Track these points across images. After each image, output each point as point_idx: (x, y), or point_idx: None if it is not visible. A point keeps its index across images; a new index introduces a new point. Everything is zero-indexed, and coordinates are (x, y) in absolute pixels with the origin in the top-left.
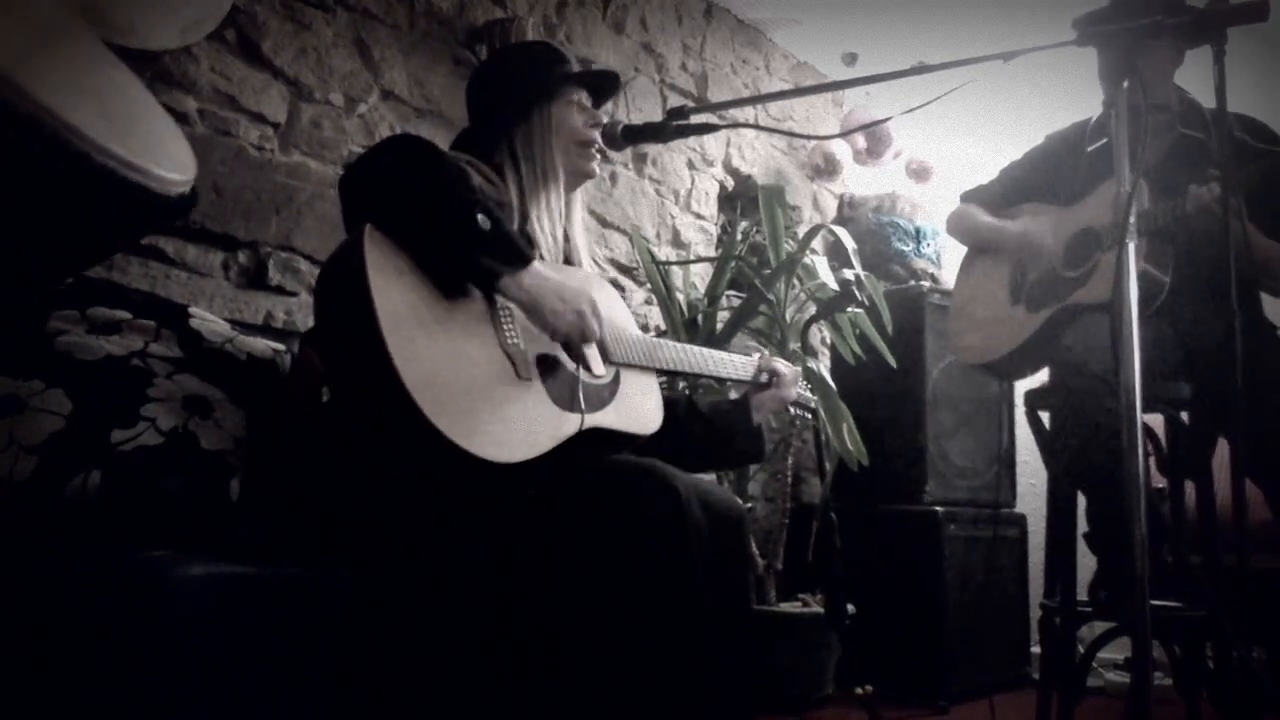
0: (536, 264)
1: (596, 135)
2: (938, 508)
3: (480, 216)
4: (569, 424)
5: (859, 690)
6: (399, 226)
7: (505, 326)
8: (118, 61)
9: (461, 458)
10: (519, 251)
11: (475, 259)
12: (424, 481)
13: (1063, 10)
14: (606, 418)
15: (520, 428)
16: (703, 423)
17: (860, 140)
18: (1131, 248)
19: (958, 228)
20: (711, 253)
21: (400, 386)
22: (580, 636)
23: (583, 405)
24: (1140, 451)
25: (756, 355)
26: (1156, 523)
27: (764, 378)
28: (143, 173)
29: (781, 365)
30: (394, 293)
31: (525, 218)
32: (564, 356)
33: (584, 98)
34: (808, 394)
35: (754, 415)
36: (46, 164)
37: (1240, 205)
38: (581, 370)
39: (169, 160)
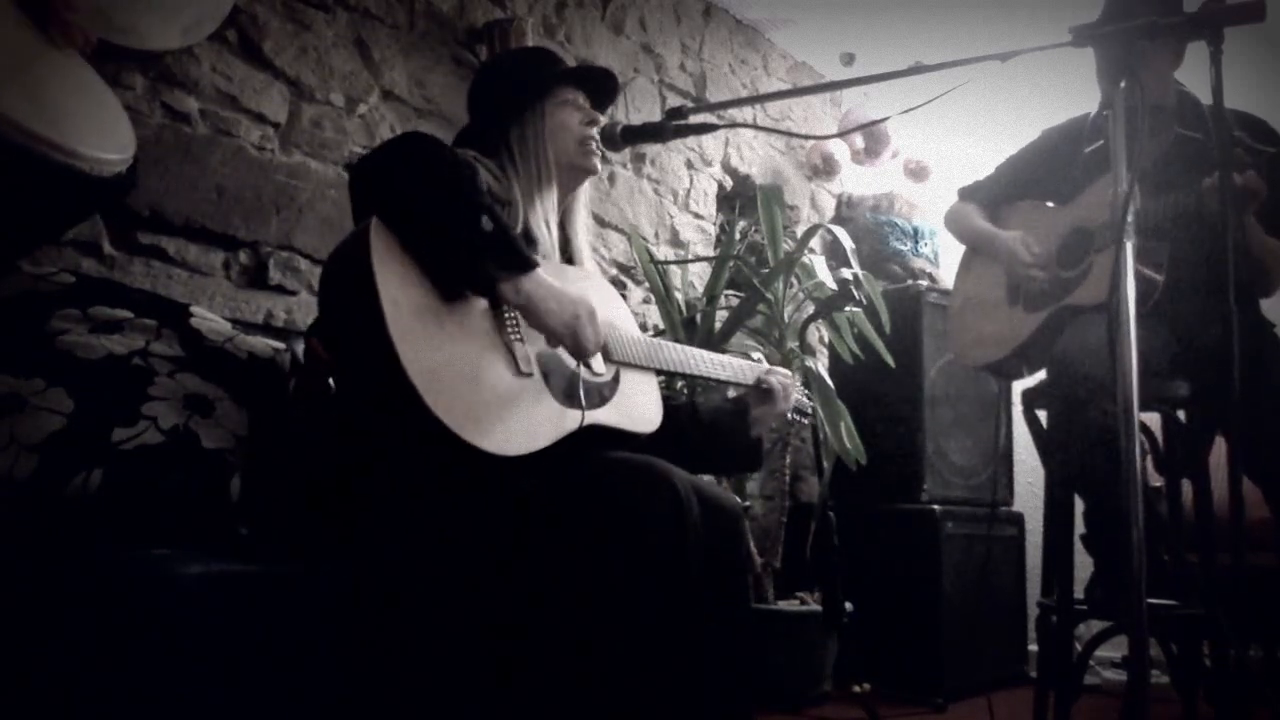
0: (538, 270)
1: (593, 133)
2: (935, 506)
3: (484, 218)
4: (569, 420)
5: (857, 688)
6: (403, 226)
7: (507, 322)
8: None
9: (462, 449)
10: (520, 256)
11: (474, 264)
12: (425, 479)
13: (1061, 10)
14: (606, 415)
15: (520, 422)
16: (702, 430)
17: (858, 140)
18: (1129, 247)
19: (954, 227)
20: (710, 252)
21: (404, 377)
22: (578, 633)
23: (583, 402)
24: (1137, 451)
25: (756, 358)
26: (1153, 521)
27: (763, 386)
28: (70, 154)
29: (780, 378)
30: (399, 284)
31: (526, 215)
32: (565, 353)
33: (580, 98)
34: (805, 400)
35: (753, 429)
36: None
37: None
38: (582, 367)
39: (105, 140)
